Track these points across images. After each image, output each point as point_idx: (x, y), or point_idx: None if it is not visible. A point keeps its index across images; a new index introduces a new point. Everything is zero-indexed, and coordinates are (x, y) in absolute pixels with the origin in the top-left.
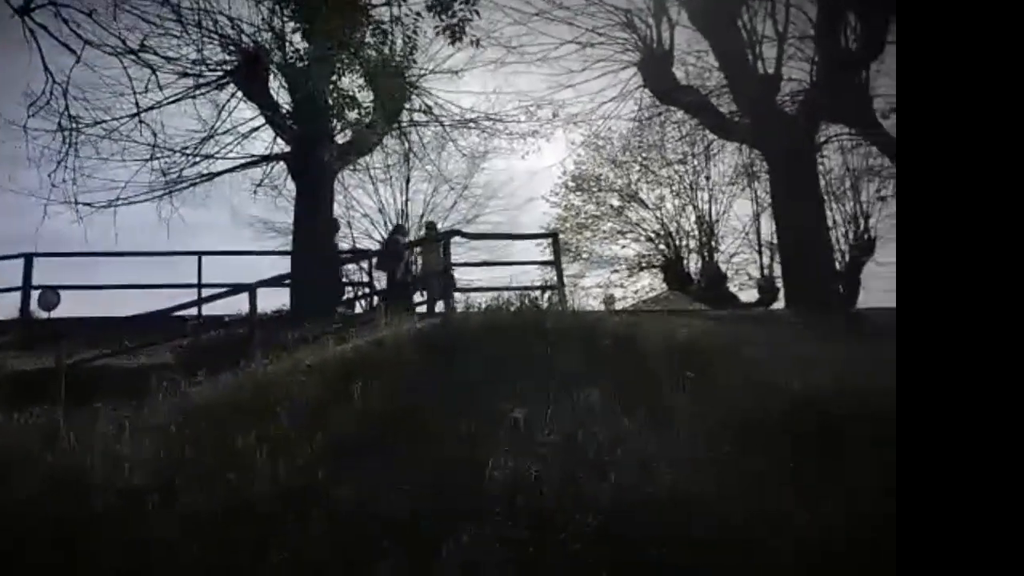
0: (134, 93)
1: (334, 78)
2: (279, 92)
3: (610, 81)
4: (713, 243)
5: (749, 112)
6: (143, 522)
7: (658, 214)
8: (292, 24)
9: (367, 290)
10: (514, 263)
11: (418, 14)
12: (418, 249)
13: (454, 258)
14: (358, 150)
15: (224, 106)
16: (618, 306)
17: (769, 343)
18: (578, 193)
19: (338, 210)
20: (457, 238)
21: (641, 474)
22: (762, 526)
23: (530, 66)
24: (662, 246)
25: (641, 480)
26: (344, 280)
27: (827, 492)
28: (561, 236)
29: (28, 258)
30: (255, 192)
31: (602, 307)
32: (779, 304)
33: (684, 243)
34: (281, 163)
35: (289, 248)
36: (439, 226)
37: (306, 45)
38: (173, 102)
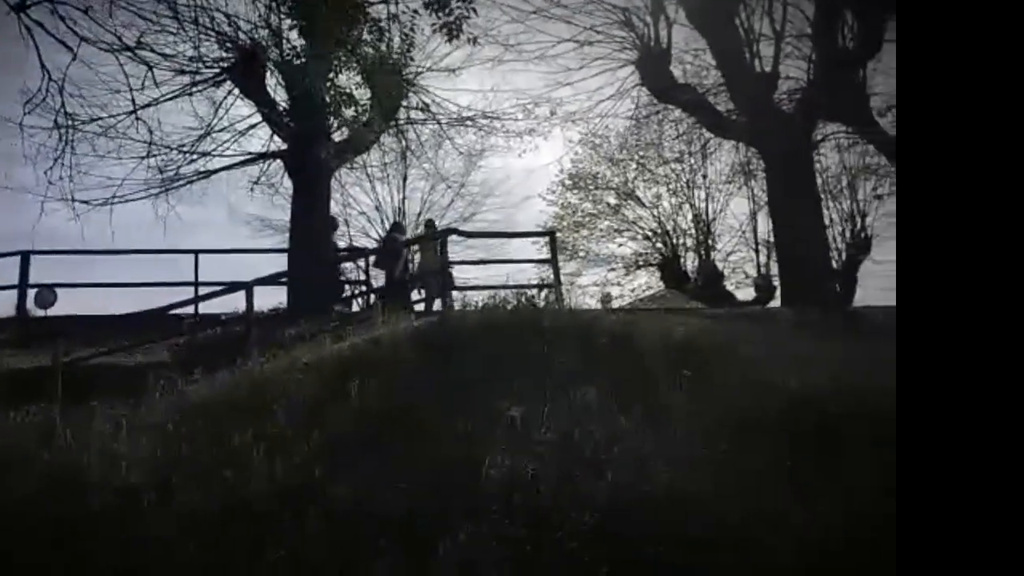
0: (130, 90)
1: (331, 75)
2: (276, 89)
3: (608, 79)
4: (710, 241)
5: (746, 110)
6: (140, 520)
7: (655, 212)
8: (289, 21)
9: (364, 288)
10: (511, 261)
11: (415, 11)
12: (416, 247)
13: (451, 256)
14: (355, 148)
15: (221, 103)
16: (615, 304)
17: (766, 341)
18: (575, 191)
19: (335, 208)
20: (454, 236)
21: (638, 473)
22: (759, 525)
23: (528, 64)
24: (659, 244)
25: (638, 479)
26: (341, 278)
27: (824, 491)
28: (558, 234)
29: (24, 256)
30: (252, 190)
31: (599, 305)
32: (776, 302)
33: (681, 241)
34: (278, 161)
35: (286, 246)
36: (437, 224)
37: (303, 42)
38: (170, 99)
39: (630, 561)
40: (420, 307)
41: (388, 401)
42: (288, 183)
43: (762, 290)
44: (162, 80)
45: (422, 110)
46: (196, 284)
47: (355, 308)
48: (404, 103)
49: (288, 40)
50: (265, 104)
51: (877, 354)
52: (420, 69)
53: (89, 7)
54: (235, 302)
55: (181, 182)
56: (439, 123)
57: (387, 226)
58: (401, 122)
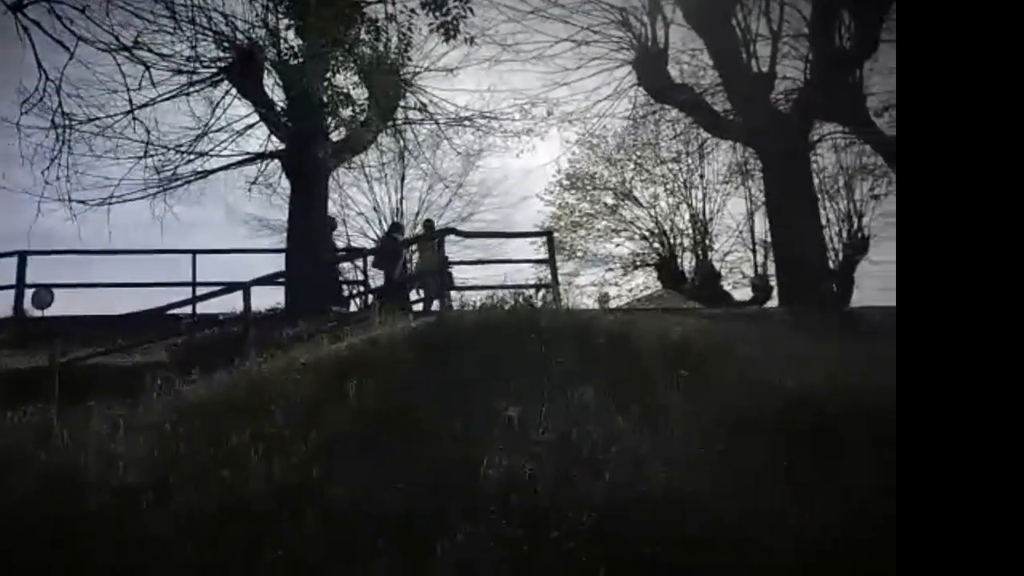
0: (128, 90)
1: (328, 75)
2: (273, 89)
3: (605, 79)
4: (707, 241)
5: (743, 110)
6: (137, 521)
7: (652, 212)
8: (286, 21)
9: (362, 288)
10: (509, 261)
11: (412, 11)
12: (414, 247)
13: (449, 256)
14: (353, 148)
15: (218, 103)
16: (612, 304)
17: (763, 341)
18: (572, 191)
19: (333, 208)
20: (452, 236)
21: (635, 472)
22: (756, 524)
23: (525, 64)
24: (656, 244)
25: (635, 478)
26: (339, 279)
27: (821, 491)
28: (555, 234)
29: (22, 256)
30: (250, 190)
31: (596, 305)
32: (773, 302)
33: (678, 241)
34: (276, 161)
35: (284, 246)
36: (435, 224)
37: (300, 42)
38: (167, 99)
39: (628, 561)
40: (419, 307)
41: (386, 401)
42: (286, 183)
43: (759, 290)
44: (159, 80)
45: (420, 110)
46: (194, 284)
47: (353, 308)
48: (402, 103)
49: (285, 40)
50: (263, 104)
51: (874, 354)
52: (417, 69)
53: (86, 6)
54: (233, 302)
55: (179, 182)
56: (437, 123)
57: (385, 226)
58: (399, 122)
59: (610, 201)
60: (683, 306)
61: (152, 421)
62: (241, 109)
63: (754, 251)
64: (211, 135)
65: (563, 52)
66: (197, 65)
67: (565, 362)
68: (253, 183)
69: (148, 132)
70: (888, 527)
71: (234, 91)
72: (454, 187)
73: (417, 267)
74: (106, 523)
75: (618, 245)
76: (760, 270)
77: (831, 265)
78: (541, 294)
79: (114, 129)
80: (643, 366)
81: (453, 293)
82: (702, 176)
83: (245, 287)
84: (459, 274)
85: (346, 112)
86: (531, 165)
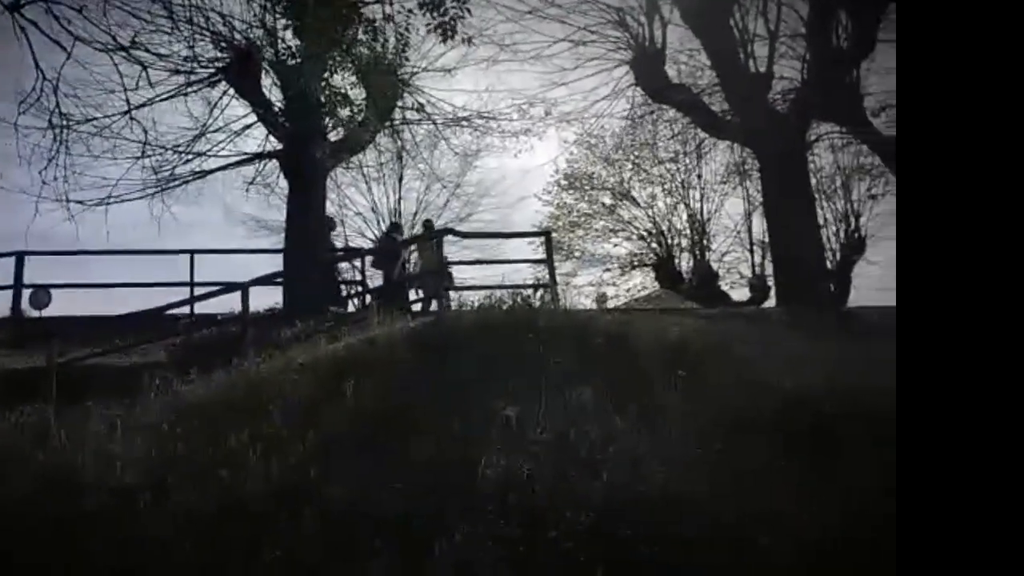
0: (125, 90)
1: (326, 75)
2: (271, 89)
3: (603, 79)
4: (705, 241)
5: (741, 110)
6: (135, 521)
7: (650, 212)
8: (284, 21)
9: (360, 288)
10: (507, 261)
11: (410, 11)
12: (413, 247)
13: (448, 256)
14: (351, 148)
15: (216, 103)
16: (610, 304)
17: (760, 341)
18: (570, 191)
19: (331, 208)
20: (450, 236)
21: (633, 473)
22: (754, 525)
23: (523, 64)
24: (654, 244)
25: (633, 479)
26: (338, 278)
27: (819, 491)
28: (553, 234)
29: (19, 256)
30: (247, 190)
31: (594, 305)
32: (770, 302)
33: (676, 241)
34: (273, 161)
35: (282, 246)
36: (435, 224)
37: (298, 42)
38: (165, 99)
39: (625, 561)
40: (417, 307)
41: (384, 401)
42: (284, 183)
43: (756, 290)
44: (157, 80)
45: (417, 110)
46: (192, 284)
47: (351, 308)
48: (399, 103)
49: (283, 40)
50: (260, 104)
51: (871, 354)
52: (415, 69)
53: (83, 6)
54: (231, 302)
55: (176, 182)
56: (434, 123)
57: (383, 226)
58: (396, 122)
59: (608, 201)
60: (681, 306)
61: (150, 421)
62: (239, 109)
63: (751, 251)
64: (209, 135)
65: (561, 52)
66: (195, 65)
67: (563, 362)
68: (251, 183)
69: (146, 132)
70: (886, 527)
71: (232, 91)
72: (452, 187)
73: (419, 267)
74: (104, 523)
75: (616, 245)
76: (757, 270)
77: (828, 265)
78: (539, 294)
79: (112, 129)
80: (641, 366)
81: (451, 293)
82: (700, 176)
83: (243, 287)
84: (457, 274)
85: (344, 112)
86: (529, 165)
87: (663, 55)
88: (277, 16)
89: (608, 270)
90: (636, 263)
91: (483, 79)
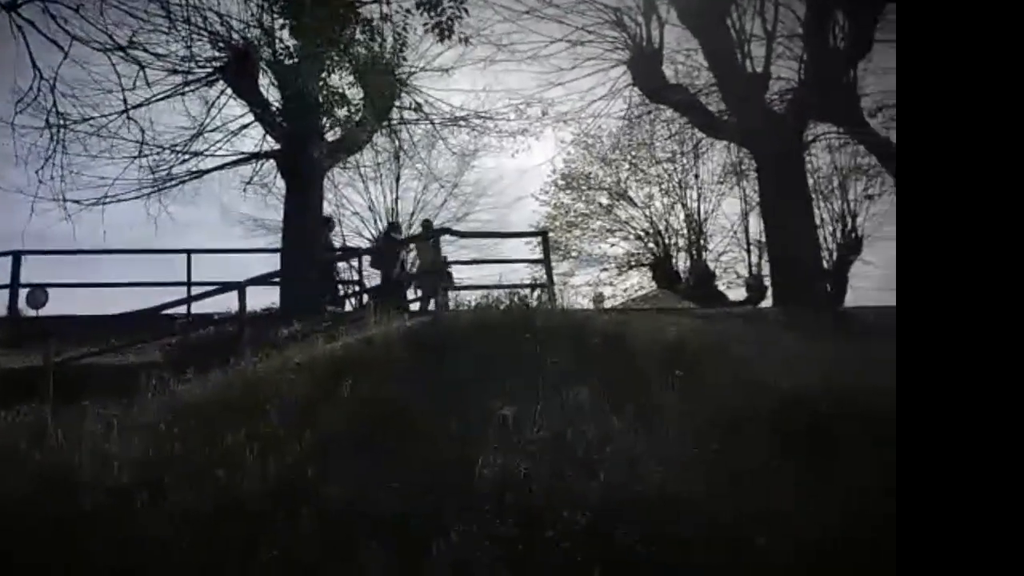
0: (122, 90)
1: (324, 75)
2: (269, 89)
3: (600, 79)
4: (702, 241)
5: (738, 111)
6: (132, 520)
7: (647, 212)
8: (281, 21)
9: (357, 288)
10: (504, 261)
11: (407, 11)
12: (412, 247)
13: (446, 256)
14: (348, 148)
15: (213, 103)
16: (607, 304)
17: (757, 341)
18: (567, 191)
19: (328, 208)
20: (448, 236)
21: (630, 472)
22: (750, 524)
23: (520, 64)
24: (651, 244)
25: (630, 478)
26: (335, 278)
27: (816, 491)
28: (550, 234)
29: (16, 256)
30: (245, 190)
31: (591, 305)
32: (767, 302)
33: (673, 241)
34: (271, 160)
35: (279, 246)
36: (433, 224)
37: (295, 42)
38: (162, 99)
39: (622, 561)
40: (415, 306)
41: (381, 401)
42: (281, 183)
43: (753, 290)
44: (154, 80)
45: (415, 110)
46: (189, 284)
47: (348, 308)
48: (397, 103)
49: (281, 40)
50: (258, 104)
51: (868, 354)
52: (412, 69)
53: (80, 6)
54: (228, 302)
55: (173, 182)
56: (432, 123)
57: (380, 226)
58: (394, 122)
59: (605, 201)
60: (678, 306)
61: (147, 421)
62: (236, 109)
63: (748, 251)
64: (206, 135)
65: (558, 52)
66: (192, 65)
67: (560, 362)
68: (248, 183)
69: (143, 132)
70: (884, 527)
71: (229, 91)
72: (449, 187)
73: (419, 267)
74: (101, 523)
75: (613, 245)
76: (754, 270)
77: (825, 265)
78: (536, 294)
79: (109, 129)
80: (638, 366)
81: (449, 292)
82: (697, 176)
83: (240, 287)
84: (455, 274)
85: (341, 112)
86: (526, 165)
87: (660, 55)
88: (274, 16)
89: (605, 270)
90: (633, 263)
91: (480, 79)
